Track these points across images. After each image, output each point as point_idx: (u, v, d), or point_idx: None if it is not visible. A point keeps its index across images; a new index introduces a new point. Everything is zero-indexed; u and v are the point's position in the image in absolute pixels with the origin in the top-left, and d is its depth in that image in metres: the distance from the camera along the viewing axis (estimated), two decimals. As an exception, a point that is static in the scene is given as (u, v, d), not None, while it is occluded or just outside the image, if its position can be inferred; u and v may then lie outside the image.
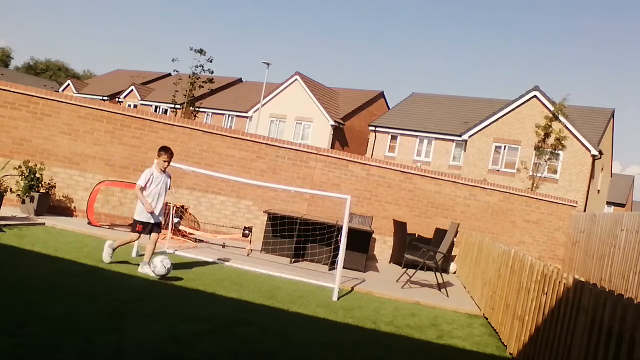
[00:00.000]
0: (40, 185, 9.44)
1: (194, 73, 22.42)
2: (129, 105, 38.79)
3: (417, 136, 31.10)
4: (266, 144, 11.29)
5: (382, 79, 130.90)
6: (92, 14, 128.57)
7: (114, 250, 6.76)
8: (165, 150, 6.81)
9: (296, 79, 34.46)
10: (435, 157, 30.34)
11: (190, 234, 10.03)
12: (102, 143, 10.50)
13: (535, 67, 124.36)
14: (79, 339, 3.99)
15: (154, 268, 6.30)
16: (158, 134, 10.76)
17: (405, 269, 9.52)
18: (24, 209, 9.27)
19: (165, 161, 6.75)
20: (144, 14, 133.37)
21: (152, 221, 6.71)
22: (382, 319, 6.41)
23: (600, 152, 25.46)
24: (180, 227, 9.90)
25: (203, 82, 22.20)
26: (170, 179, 6.98)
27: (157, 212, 6.71)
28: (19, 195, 9.30)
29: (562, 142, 20.46)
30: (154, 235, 6.78)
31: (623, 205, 43.73)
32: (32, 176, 9.26)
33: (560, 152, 22.64)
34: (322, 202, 11.49)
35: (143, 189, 6.63)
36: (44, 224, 8.74)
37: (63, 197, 10.26)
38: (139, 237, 6.83)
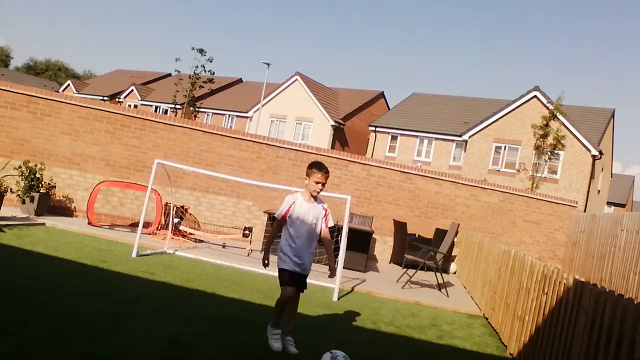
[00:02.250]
0: (40, 185, 9.44)
1: (195, 73, 22.41)
2: (129, 105, 38.80)
3: (417, 136, 31.11)
4: (266, 144, 11.30)
5: (382, 79, 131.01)
6: (92, 14, 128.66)
7: (277, 327, 4.45)
8: (319, 168, 4.48)
9: (296, 79, 34.46)
10: (435, 157, 30.34)
11: (190, 234, 10.03)
12: (102, 143, 10.50)
13: (535, 67, 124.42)
14: (79, 339, 3.99)
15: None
16: (158, 134, 10.76)
17: (405, 269, 9.52)
18: (24, 209, 9.27)
19: (318, 183, 4.45)
20: (144, 14, 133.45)
21: (297, 269, 4.38)
22: (382, 319, 6.41)
23: (600, 152, 25.46)
24: (180, 227, 9.90)
25: (203, 82, 22.19)
26: (326, 211, 4.60)
27: (303, 259, 4.39)
28: (19, 195, 9.30)
29: (561, 140, 20.48)
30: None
31: (623, 205, 43.72)
32: (32, 176, 9.26)
33: (559, 151, 22.65)
34: (322, 202, 11.48)
35: (281, 221, 4.47)
36: (44, 224, 8.74)
37: (63, 197, 10.26)
38: (292, 291, 4.41)
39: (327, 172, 4.51)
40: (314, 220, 4.46)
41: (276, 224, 4.54)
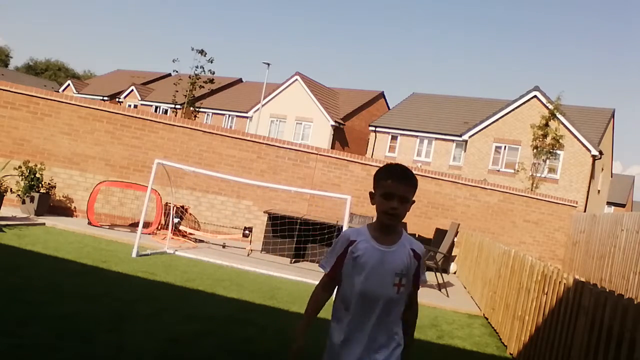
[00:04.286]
0: (40, 185, 9.44)
1: (195, 74, 22.41)
2: (129, 105, 38.78)
3: (417, 136, 31.10)
4: (266, 144, 11.30)
5: (382, 79, 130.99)
6: (92, 14, 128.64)
7: None
8: (390, 171, 2.26)
9: (296, 79, 34.45)
10: (435, 157, 30.33)
11: (190, 234, 10.02)
12: (102, 143, 10.50)
13: (535, 67, 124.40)
14: (79, 339, 3.99)
15: None
16: (158, 134, 10.76)
17: (405, 269, 9.50)
18: (24, 209, 9.27)
19: (390, 197, 2.21)
20: (144, 14, 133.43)
21: None
22: (382, 319, 6.40)
23: (600, 152, 25.45)
24: (180, 227, 9.90)
25: (203, 82, 22.19)
26: (420, 259, 2.32)
27: (361, 348, 2.26)
28: (19, 195, 9.30)
29: (560, 140, 20.48)
30: None
31: (623, 205, 43.69)
32: (32, 176, 9.26)
33: (559, 151, 22.65)
34: (322, 202, 11.49)
35: (328, 279, 2.43)
36: (44, 224, 8.74)
37: (63, 197, 10.26)
38: None
39: (406, 179, 2.25)
40: (394, 276, 2.26)
41: (319, 287, 2.49)
